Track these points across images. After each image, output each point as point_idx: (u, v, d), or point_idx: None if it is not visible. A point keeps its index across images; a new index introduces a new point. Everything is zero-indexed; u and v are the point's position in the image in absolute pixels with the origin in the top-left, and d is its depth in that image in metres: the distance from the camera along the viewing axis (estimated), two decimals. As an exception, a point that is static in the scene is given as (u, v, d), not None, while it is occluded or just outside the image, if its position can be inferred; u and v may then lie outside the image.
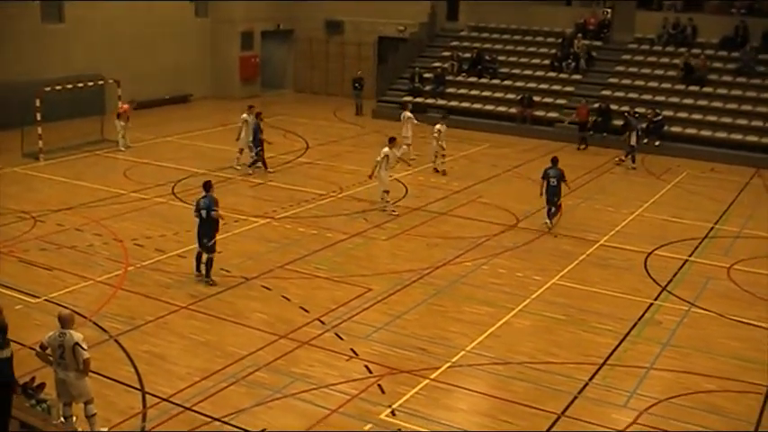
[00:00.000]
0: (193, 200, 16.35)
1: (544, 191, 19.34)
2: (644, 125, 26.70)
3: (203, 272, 15.58)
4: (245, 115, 24.01)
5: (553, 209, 19.40)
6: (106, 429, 10.33)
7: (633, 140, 25.89)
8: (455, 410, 11.41)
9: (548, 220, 19.34)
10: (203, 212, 15.33)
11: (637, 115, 27.37)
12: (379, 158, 20.05)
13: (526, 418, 11.16)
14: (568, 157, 27.13)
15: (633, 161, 26.04)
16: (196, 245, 15.70)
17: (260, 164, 24.01)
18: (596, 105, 29.71)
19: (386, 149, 20.07)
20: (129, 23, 33.14)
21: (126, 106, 26.28)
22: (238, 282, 15.71)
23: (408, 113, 25.95)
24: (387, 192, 20.31)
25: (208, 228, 15.42)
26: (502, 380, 12.27)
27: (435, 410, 11.32)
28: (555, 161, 19.60)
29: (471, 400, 11.74)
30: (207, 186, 15.60)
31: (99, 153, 26.02)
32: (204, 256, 15.55)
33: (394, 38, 37.77)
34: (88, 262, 16.58)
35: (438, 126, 24.33)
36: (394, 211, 20.25)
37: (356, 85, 34.52)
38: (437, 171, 24.67)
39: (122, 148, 26.26)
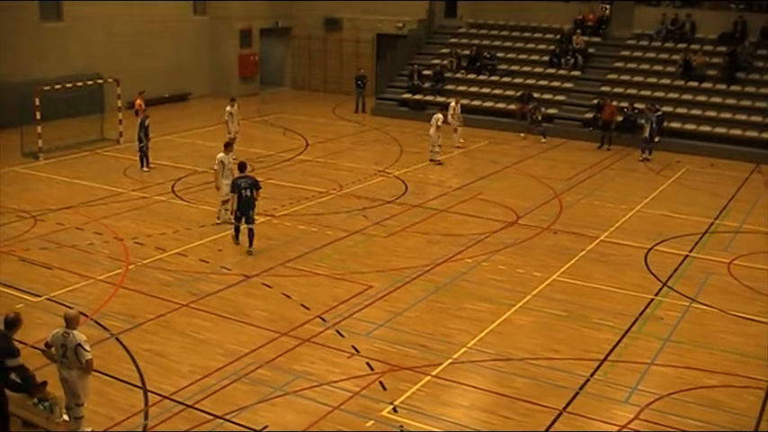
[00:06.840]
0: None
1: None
2: (654, 118, 26.68)
3: (245, 243, 17.17)
4: (228, 108, 25.96)
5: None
6: (89, 430, 10.33)
7: (647, 133, 26.18)
8: (456, 407, 11.41)
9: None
10: (247, 191, 16.81)
11: (652, 108, 27.44)
12: (215, 166, 18.60)
13: (527, 415, 11.17)
14: (567, 153, 27.21)
15: (643, 152, 26.57)
16: (236, 221, 17.21)
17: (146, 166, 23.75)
18: (595, 101, 29.74)
19: (221, 155, 18.52)
20: (128, 21, 33.13)
21: (140, 102, 25.76)
22: (239, 279, 15.71)
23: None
24: (225, 201, 18.24)
25: (251, 203, 17.00)
26: (503, 376, 12.28)
27: (437, 407, 11.33)
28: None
29: (473, 396, 11.75)
30: (243, 167, 17.19)
31: (99, 152, 26.01)
32: (246, 228, 17.12)
33: (392, 35, 37.73)
34: (89, 261, 16.58)
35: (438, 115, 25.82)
36: (218, 219, 18.82)
37: (359, 82, 34.44)
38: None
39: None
